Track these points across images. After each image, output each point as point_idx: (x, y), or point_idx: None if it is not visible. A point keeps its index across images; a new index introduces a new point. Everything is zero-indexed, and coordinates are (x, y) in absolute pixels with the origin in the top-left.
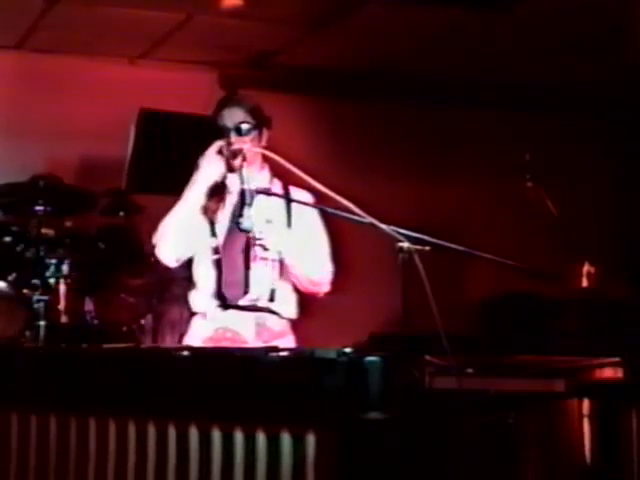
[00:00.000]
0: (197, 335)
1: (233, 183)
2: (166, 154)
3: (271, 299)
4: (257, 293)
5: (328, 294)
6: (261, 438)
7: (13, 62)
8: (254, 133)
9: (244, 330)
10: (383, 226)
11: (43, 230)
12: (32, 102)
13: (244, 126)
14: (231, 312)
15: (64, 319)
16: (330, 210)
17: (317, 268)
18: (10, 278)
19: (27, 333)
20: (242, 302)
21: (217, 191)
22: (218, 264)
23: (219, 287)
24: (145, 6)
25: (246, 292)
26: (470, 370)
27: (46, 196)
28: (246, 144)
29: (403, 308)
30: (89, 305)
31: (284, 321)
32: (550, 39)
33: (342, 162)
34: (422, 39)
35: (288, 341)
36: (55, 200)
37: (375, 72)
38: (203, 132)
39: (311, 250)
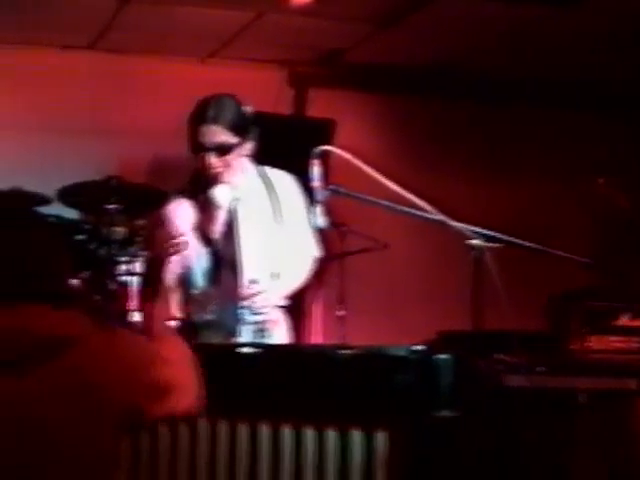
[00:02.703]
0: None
1: (223, 197)
2: None
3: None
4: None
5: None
6: (331, 435)
7: (86, 62)
8: (237, 150)
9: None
10: (454, 223)
11: (115, 228)
12: (104, 102)
13: (225, 146)
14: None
15: (135, 317)
16: (401, 208)
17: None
18: (83, 276)
19: None
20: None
21: (207, 208)
22: (211, 277)
23: (210, 299)
24: (215, 5)
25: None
26: (541, 368)
27: (118, 195)
28: (228, 163)
29: (473, 306)
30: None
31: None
32: (619, 35)
33: (412, 160)
34: (490, 36)
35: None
36: (127, 199)
37: (445, 69)
38: (271, 129)
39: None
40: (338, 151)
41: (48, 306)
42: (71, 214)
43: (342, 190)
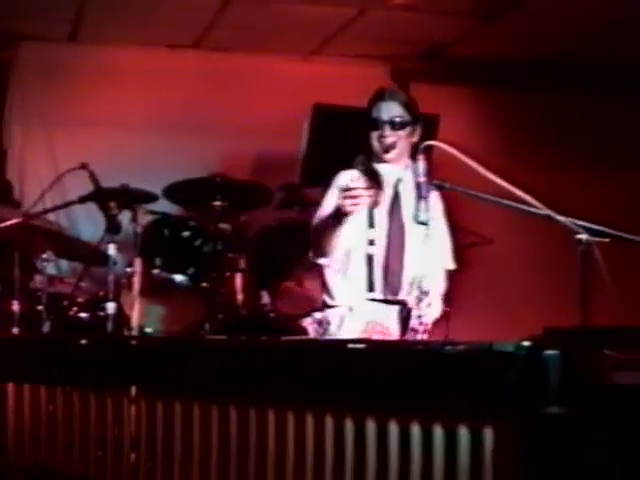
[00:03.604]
0: (348, 328)
1: (388, 175)
2: (339, 148)
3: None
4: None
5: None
6: (438, 432)
7: (191, 61)
8: (408, 128)
9: (391, 324)
10: (561, 218)
11: (220, 225)
12: (208, 100)
13: (399, 120)
14: (378, 306)
15: (242, 312)
16: (506, 202)
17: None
18: (189, 272)
19: (206, 326)
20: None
21: (376, 181)
22: (372, 257)
23: (371, 280)
24: (318, 2)
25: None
26: None
27: (222, 191)
28: (400, 138)
29: (581, 302)
30: (265, 298)
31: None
32: None
33: (516, 154)
34: (593, 28)
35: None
36: (231, 195)
37: (547, 62)
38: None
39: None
40: (443, 146)
41: None
42: (177, 211)
43: (447, 185)
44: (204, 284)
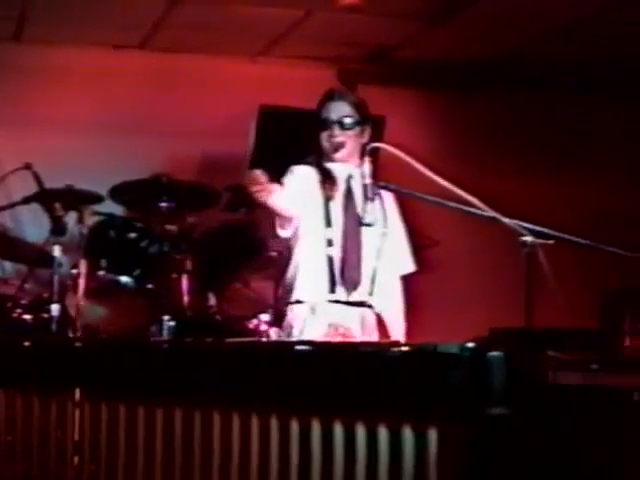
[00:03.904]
0: (310, 330)
1: (339, 172)
2: (286, 150)
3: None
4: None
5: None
6: (383, 433)
7: (137, 62)
8: (357, 128)
9: (353, 325)
10: (506, 220)
11: (166, 226)
12: (155, 101)
13: (348, 120)
14: (340, 307)
15: (188, 314)
16: (451, 204)
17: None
18: (135, 273)
19: (152, 328)
20: (352, 296)
21: (329, 176)
22: (331, 258)
23: (333, 281)
24: (265, 3)
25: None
26: (594, 366)
27: (169, 193)
28: (349, 138)
29: (526, 303)
30: (212, 300)
31: (375, 316)
32: None
33: (462, 156)
34: (539, 31)
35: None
36: (178, 196)
37: (494, 65)
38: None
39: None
40: (389, 148)
41: None
42: (123, 212)
43: (392, 187)
44: (150, 286)
